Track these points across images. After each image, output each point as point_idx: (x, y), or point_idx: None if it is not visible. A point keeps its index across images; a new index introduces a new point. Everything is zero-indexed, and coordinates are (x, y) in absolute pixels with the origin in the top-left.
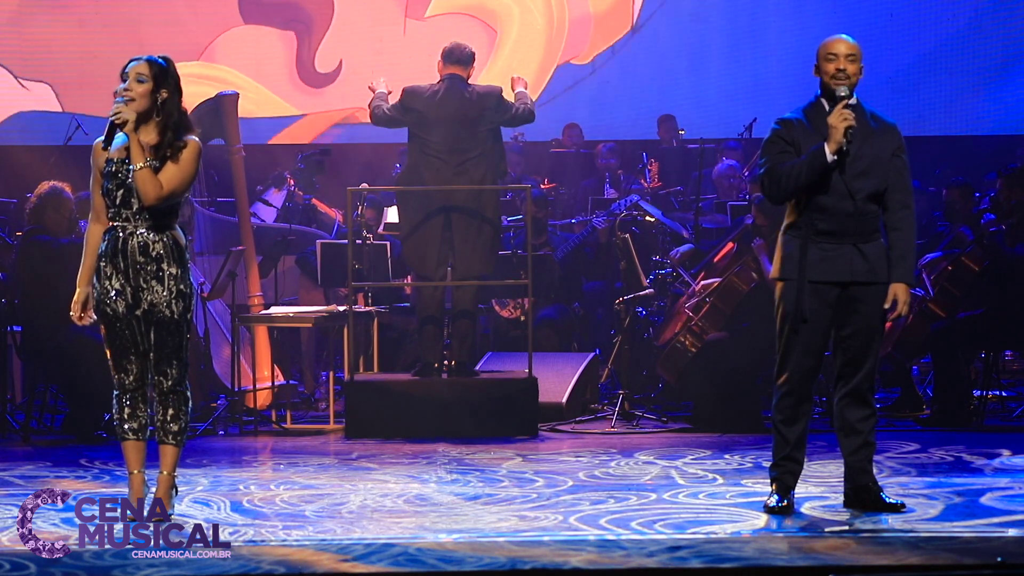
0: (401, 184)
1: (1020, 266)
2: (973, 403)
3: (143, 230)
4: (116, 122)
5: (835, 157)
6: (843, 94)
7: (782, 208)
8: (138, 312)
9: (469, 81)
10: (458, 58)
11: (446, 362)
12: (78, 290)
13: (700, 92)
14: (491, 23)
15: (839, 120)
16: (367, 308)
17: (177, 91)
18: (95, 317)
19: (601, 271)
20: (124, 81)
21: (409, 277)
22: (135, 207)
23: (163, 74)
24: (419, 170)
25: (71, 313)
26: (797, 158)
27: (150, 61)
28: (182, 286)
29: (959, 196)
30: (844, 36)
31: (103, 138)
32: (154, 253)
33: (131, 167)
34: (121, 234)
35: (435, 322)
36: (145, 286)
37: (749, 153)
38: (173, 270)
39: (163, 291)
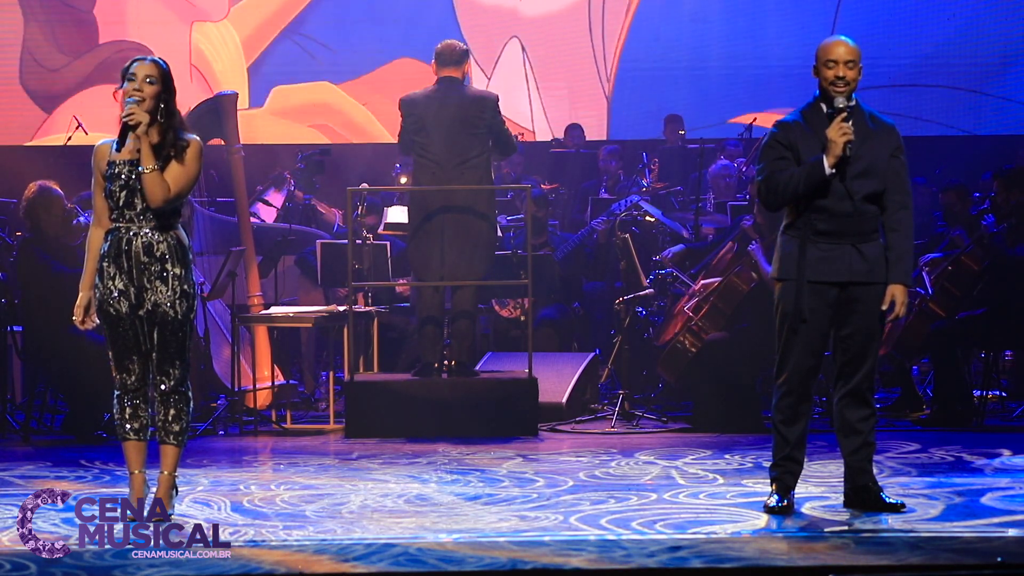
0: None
1: (1020, 266)
2: (973, 403)
3: (147, 230)
4: (130, 124)
5: (833, 171)
6: (841, 105)
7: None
8: (141, 312)
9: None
10: (452, 59)
11: (446, 362)
12: (80, 294)
13: (700, 92)
14: None
15: (838, 135)
16: (367, 308)
17: (174, 92)
18: (97, 321)
19: (601, 271)
20: (128, 81)
21: (409, 277)
22: (139, 208)
23: (167, 76)
24: (417, 173)
25: (73, 317)
26: (795, 167)
27: (156, 62)
28: (186, 286)
29: (956, 198)
30: (843, 39)
31: (113, 140)
32: (158, 253)
33: (140, 168)
34: (124, 235)
35: (435, 322)
36: (149, 286)
37: (749, 153)
38: (177, 270)
39: (167, 291)
